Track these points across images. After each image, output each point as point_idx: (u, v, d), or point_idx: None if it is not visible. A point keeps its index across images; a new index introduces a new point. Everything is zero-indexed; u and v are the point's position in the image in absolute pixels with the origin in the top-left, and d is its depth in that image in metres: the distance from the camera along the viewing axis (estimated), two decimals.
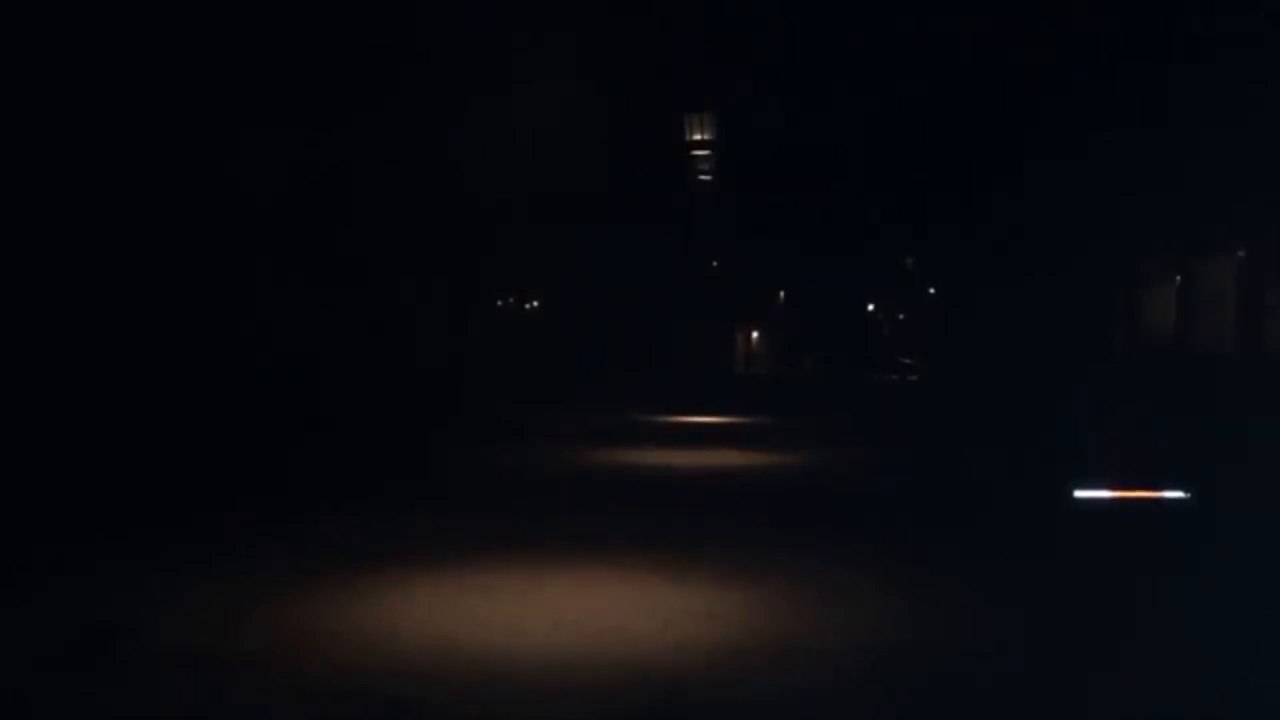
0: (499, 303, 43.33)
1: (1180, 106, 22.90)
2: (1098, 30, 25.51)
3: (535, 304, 46.84)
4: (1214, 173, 21.80)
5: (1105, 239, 27.19)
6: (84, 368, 15.63)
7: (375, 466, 18.40)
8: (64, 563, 10.55)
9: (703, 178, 50.64)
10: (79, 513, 12.75)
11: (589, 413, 29.51)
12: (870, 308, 57.85)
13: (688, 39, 39.10)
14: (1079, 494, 15.03)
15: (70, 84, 15.56)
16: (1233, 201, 22.39)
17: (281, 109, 20.22)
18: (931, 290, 44.95)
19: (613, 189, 39.73)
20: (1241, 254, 23.38)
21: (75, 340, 15.62)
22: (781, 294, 60.33)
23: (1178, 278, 25.88)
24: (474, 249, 31.19)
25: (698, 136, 48.75)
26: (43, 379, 14.94)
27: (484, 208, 29.62)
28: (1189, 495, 14.82)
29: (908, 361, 47.69)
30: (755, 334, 62.14)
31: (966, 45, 30.59)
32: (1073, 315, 28.82)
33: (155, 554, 11.13)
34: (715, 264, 57.04)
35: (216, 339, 19.05)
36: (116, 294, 16.46)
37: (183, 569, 10.48)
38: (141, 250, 16.87)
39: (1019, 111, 28.81)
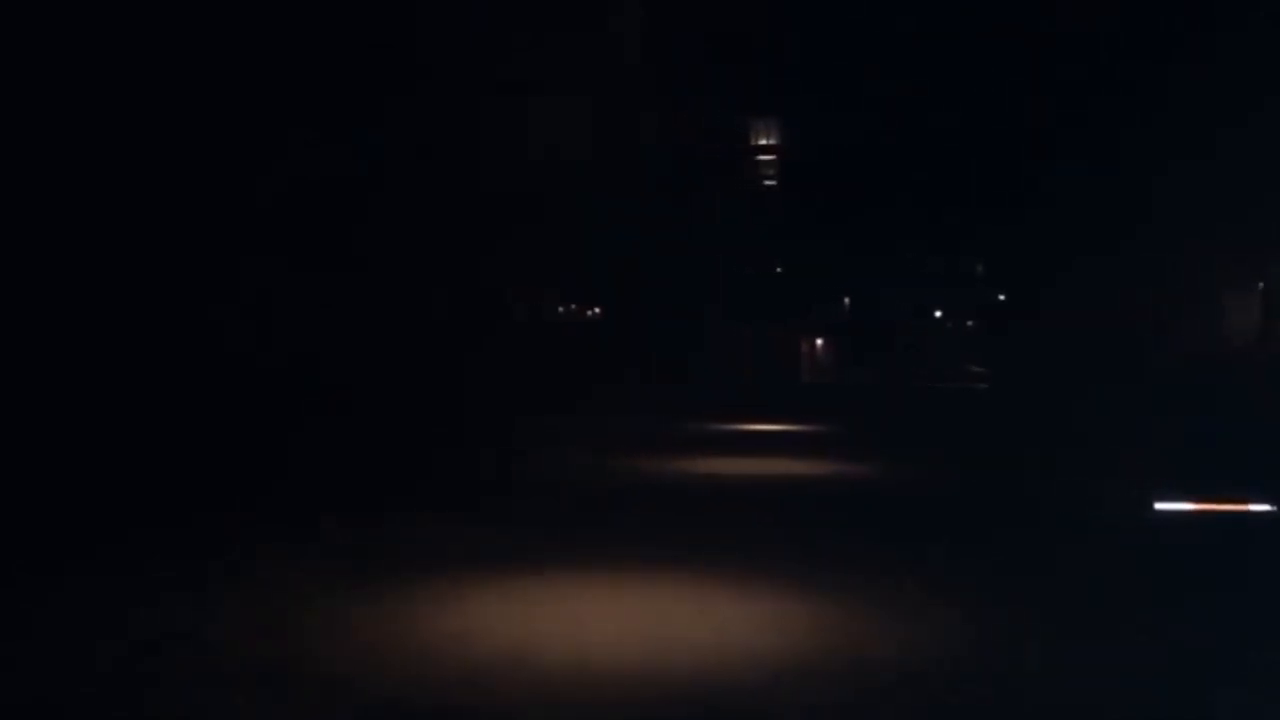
0: (559, 309, 43.28)
1: (1266, 110, 22.29)
2: (1171, 27, 24.97)
3: (597, 310, 46.73)
4: None
5: (1180, 242, 26.56)
6: (102, 371, 15.59)
7: (446, 473, 18.27)
8: (110, 567, 10.48)
9: (767, 182, 50.36)
10: (113, 518, 12.68)
11: (654, 420, 29.26)
12: (938, 314, 57.14)
13: (753, 43, 38.91)
14: (1159, 506, 14.48)
15: (82, 81, 15.57)
16: None
17: (329, 107, 20.19)
18: (1001, 296, 44.27)
19: (674, 192, 39.53)
20: None
21: (91, 342, 15.58)
22: (847, 300, 59.81)
23: (1260, 283, 25.18)
24: (532, 253, 31.07)
25: (762, 141, 48.49)
26: (58, 383, 14.90)
27: (541, 210, 29.50)
28: (1277, 508, 14.21)
29: (977, 369, 46.97)
30: (820, 340, 61.62)
31: (1036, 46, 30.19)
32: (1147, 319, 28.14)
33: (201, 557, 11.02)
34: (779, 270, 56.69)
35: (252, 343, 19.01)
36: (128, 296, 16.42)
37: (241, 572, 10.36)
38: (154, 250, 16.83)
39: (1093, 112, 28.26)
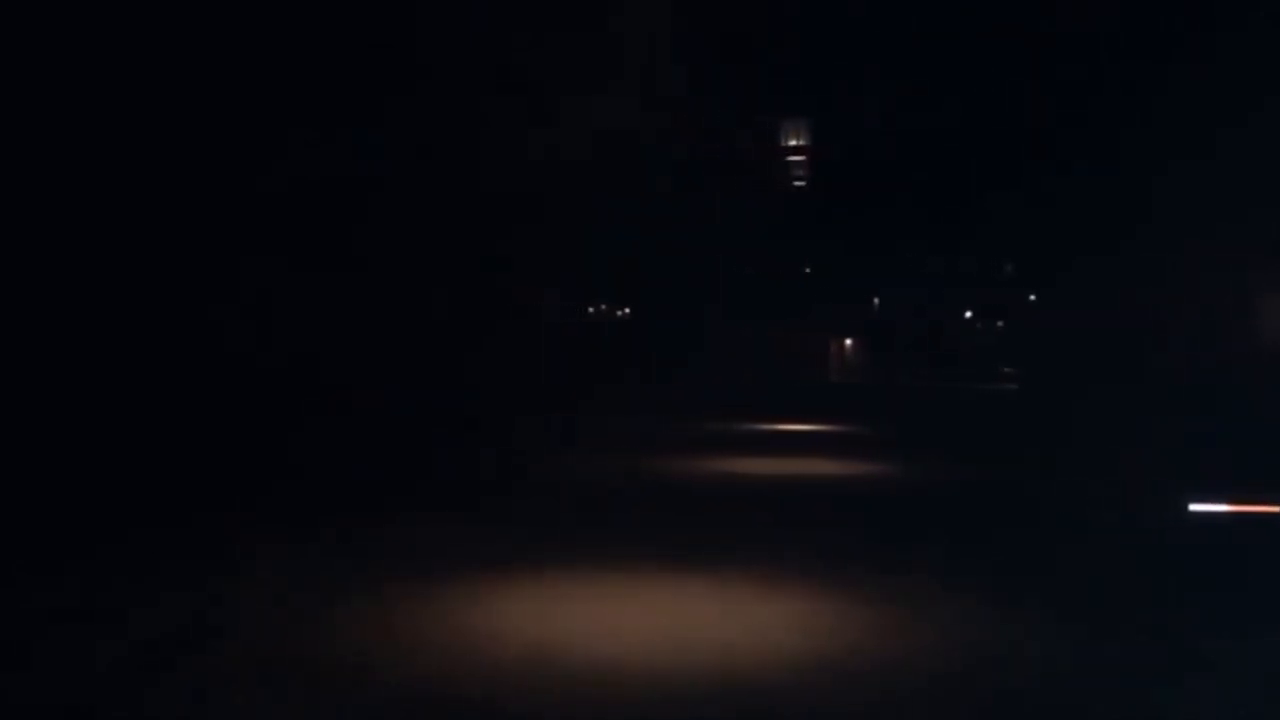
0: (590, 309, 43.33)
1: None
2: (1199, 22, 24.77)
3: (626, 310, 46.76)
4: None
5: (1216, 241, 26.32)
6: (102, 371, 15.63)
7: (471, 472, 18.30)
8: (136, 564, 10.53)
9: (797, 183, 50.27)
10: (136, 517, 12.73)
11: (682, 419, 29.23)
12: (968, 314, 56.87)
13: (784, 45, 38.85)
14: (1194, 507, 14.34)
15: (83, 80, 15.62)
16: None
17: (343, 104, 20.20)
18: (1032, 297, 44.00)
19: (702, 193, 39.50)
20: None
21: (91, 342, 15.62)
22: (876, 300, 59.61)
23: None
24: (559, 251, 31.08)
25: (793, 142, 48.42)
26: (58, 383, 14.94)
27: (568, 209, 29.49)
28: None
29: (1008, 370, 46.71)
30: (849, 340, 61.42)
31: (1066, 44, 30.03)
32: (1181, 318, 27.89)
33: (229, 555, 11.06)
34: (808, 270, 56.55)
35: (253, 342, 19.06)
36: (129, 295, 16.46)
37: (267, 570, 10.40)
38: (155, 250, 16.86)
39: (1129, 111, 28.05)
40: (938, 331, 53.65)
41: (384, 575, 10.33)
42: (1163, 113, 26.06)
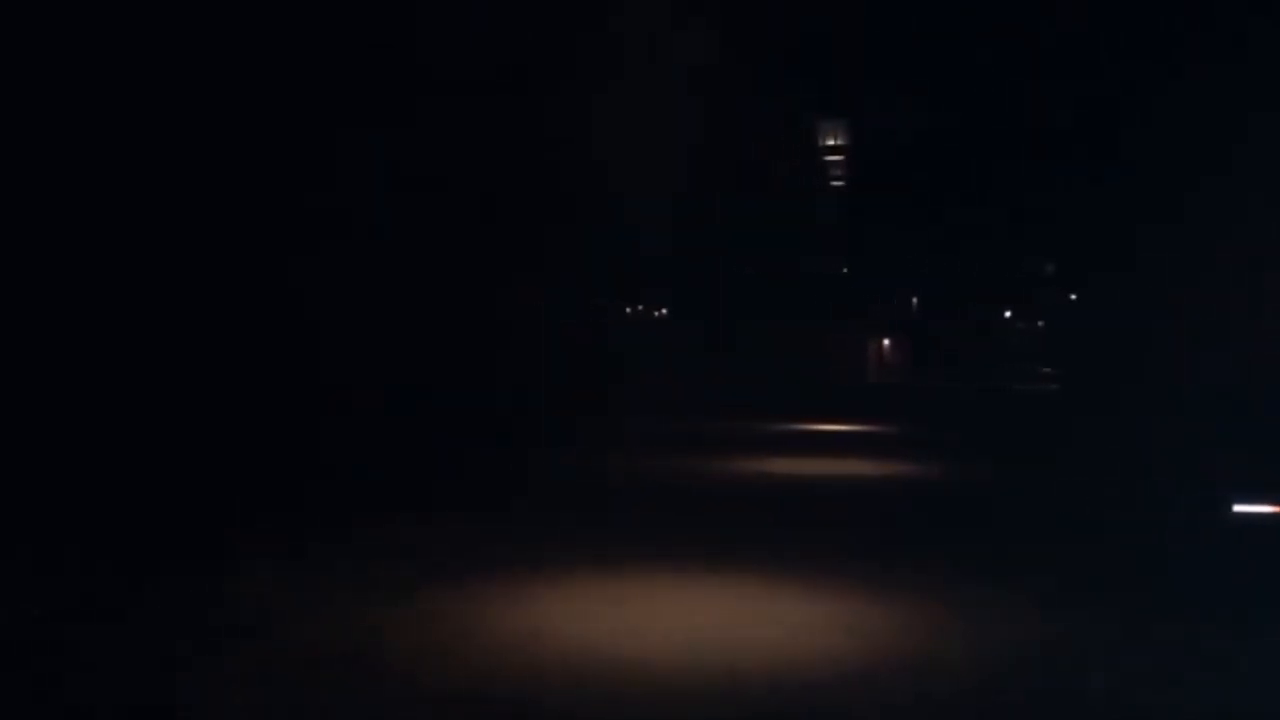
0: (627, 309, 43.34)
1: None
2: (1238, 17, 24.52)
3: (663, 311, 46.75)
4: None
5: (1257, 241, 26.03)
6: (153, 368, 15.79)
7: (499, 472, 18.37)
8: (173, 562, 10.63)
9: (835, 183, 50.12)
10: (174, 513, 12.84)
11: (719, 421, 29.22)
12: (1008, 314, 56.51)
13: (821, 45, 38.76)
14: (1238, 508, 14.21)
15: (140, 76, 15.80)
16: None
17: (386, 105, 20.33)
18: (1073, 296, 43.65)
19: (742, 194, 39.44)
20: None
21: (142, 342, 15.78)
22: (914, 300, 59.35)
23: None
24: (597, 252, 31.13)
25: (831, 141, 48.29)
26: (114, 383, 15.09)
27: (607, 210, 29.53)
28: None
29: (1047, 370, 46.36)
30: (886, 341, 61.15)
31: (1101, 40, 29.82)
32: (1224, 317, 27.60)
33: (269, 555, 11.15)
34: (845, 270, 56.35)
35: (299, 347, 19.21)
36: (171, 299, 16.62)
37: (304, 570, 10.48)
38: (195, 255, 17.03)
39: (1170, 109, 27.80)
40: (977, 332, 53.31)
41: (428, 575, 10.38)
42: (1202, 111, 25.81)
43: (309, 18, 18.68)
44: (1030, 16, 33.22)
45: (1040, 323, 54.30)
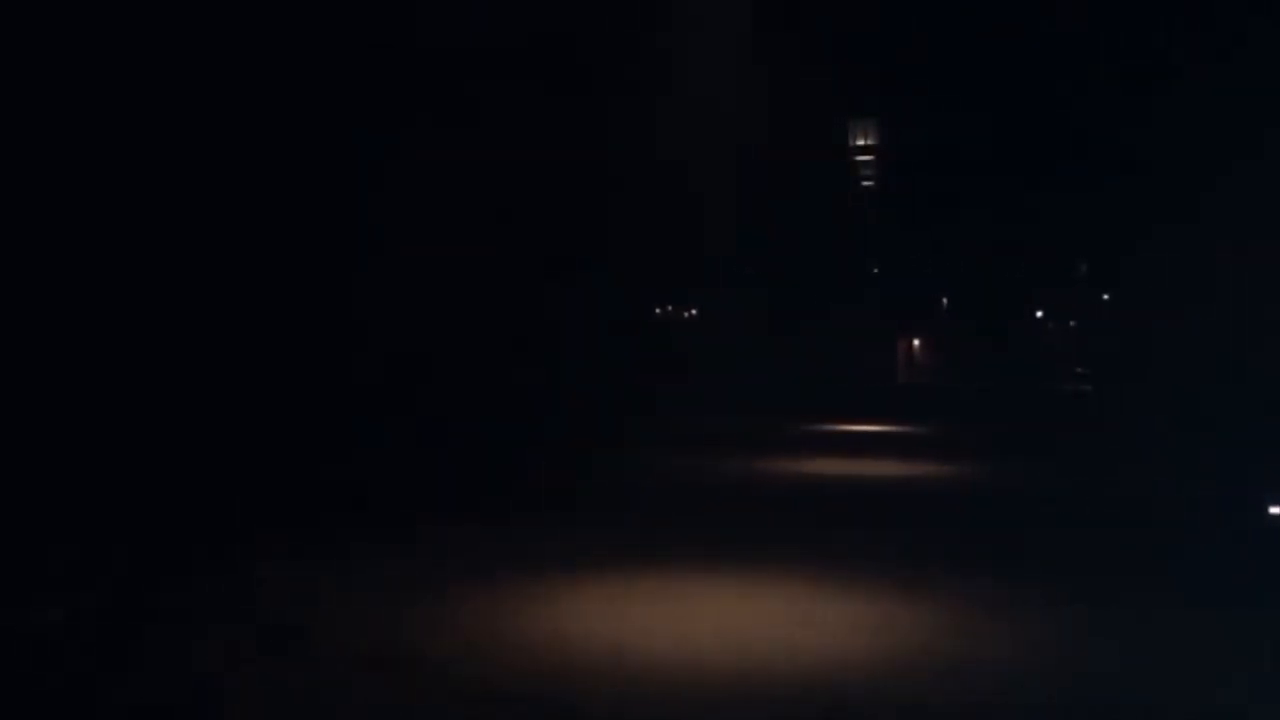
0: (657, 310, 43.34)
1: None
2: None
3: (694, 311, 46.70)
4: None
5: None
6: (202, 370, 15.92)
7: (545, 474, 18.44)
8: (218, 563, 10.72)
9: (865, 183, 49.95)
10: (230, 514, 12.95)
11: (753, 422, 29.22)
12: (1039, 314, 56.16)
13: (852, 44, 38.66)
14: (1275, 510, 14.11)
15: (208, 74, 15.95)
16: None
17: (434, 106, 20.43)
18: (1105, 296, 43.40)
19: (773, 193, 39.39)
20: None
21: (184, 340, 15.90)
22: (945, 300, 59.04)
23: None
24: (630, 252, 31.13)
25: (861, 141, 48.14)
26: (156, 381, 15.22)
27: (643, 210, 29.55)
28: None
29: (1081, 370, 46.07)
30: (917, 341, 60.90)
31: (1135, 38, 29.64)
32: (1261, 316, 27.37)
33: (320, 554, 11.24)
34: (876, 270, 56.14)
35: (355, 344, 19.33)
36: (226, 297, 16.75)
37: (353, 570, 10.58)
38: (252, 257, 17.17)
39: (1204, 106, 27.61)
40: (1009, 332, 52.98)
41: (464, 574, 10.46)
42: (1239, 108, 25.63)
43: (353, 11, 18.80)
44: (1068, 13, 33.03)
45: (1072, 323, 53.94)
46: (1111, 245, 37.69)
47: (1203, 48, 26.66)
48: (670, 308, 44.93)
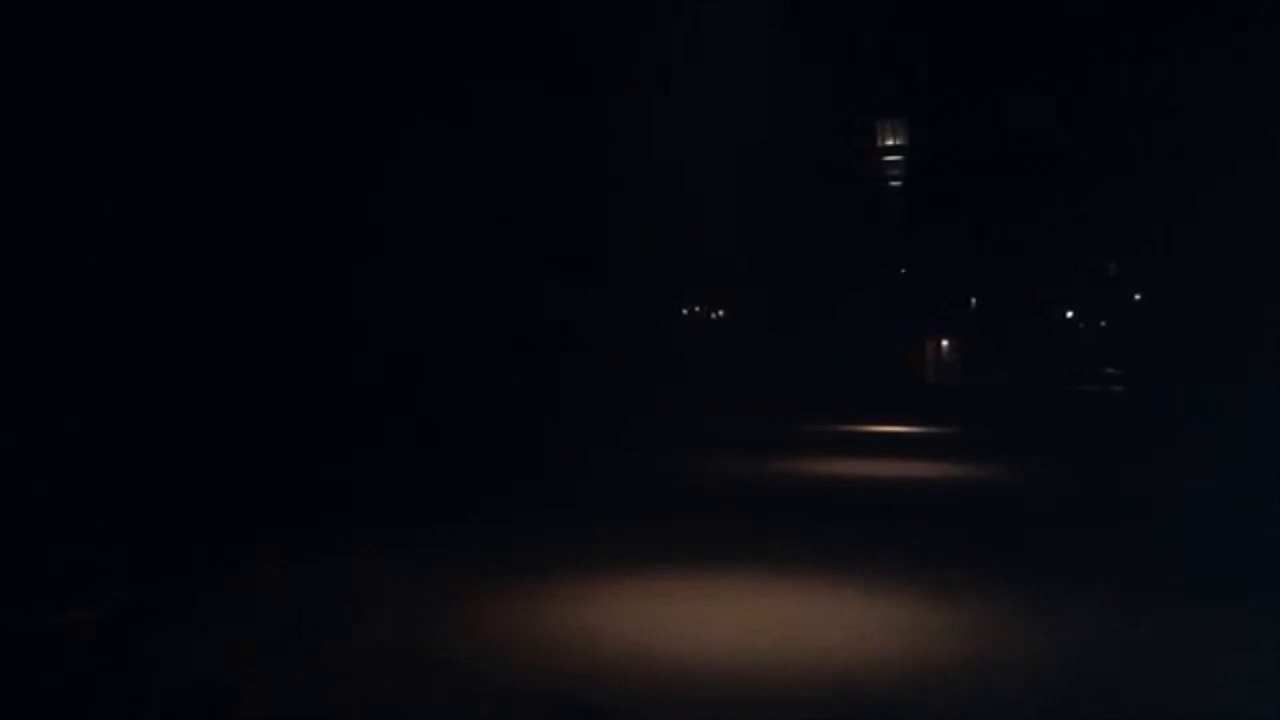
0: (684, 310, 43.30)
1: None
2: None
3: (721, 312, 46.64)
4: None
5: None
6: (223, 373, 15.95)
7: (549, 473, 18.44)
8: (238, 563, 10.73)
9: (893, 183, 49.79)
10: (245, 514, 12.96)
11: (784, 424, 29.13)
12: (1069, 314, 55.80)
13: (880, 44, 38.59)
14: None
15: (229, 75, 16.00)
16: None
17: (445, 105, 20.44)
18: (1137, 296, 43.08)
19: (801, 192, 39.32)
20: None
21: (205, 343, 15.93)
22: (973, 300, 58.69)
23: None
24: (657, 253, 31.12)
25: (889, 141, 48.00)
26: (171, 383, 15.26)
27: (669, 209, 29.51)
28: None
29: (1112, 371, 45.73)
30: (945, 342, 60.57)
31: (1162, 42, 29.47)
32: None
33: (323, 554, 11.26)
34: (903, 270, 55.90)
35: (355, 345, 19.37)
36: (240, 298, 16.78)
37: (372, 569, 10.57)
38: (267, 258, 17.20)
39: (1232, 106, 27.38)
40: (1038, 332, 52.63)
41: (480, 574, 10.44)
42: (1271, 107, 25.41)
43: (359, 15, 18.83)
44: (1094, 13, 32.88)
45: (1103, 323, 53.58)
46: (1142, 244, 37.42)
47: (1235, 43, 26.42)
48: (697, 309, 44.88)
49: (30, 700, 6.98)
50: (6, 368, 13.09)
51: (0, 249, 13.46)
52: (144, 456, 13.87)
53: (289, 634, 8.36)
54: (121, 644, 8.09)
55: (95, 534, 11.02)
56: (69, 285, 14.14)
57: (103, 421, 13.69)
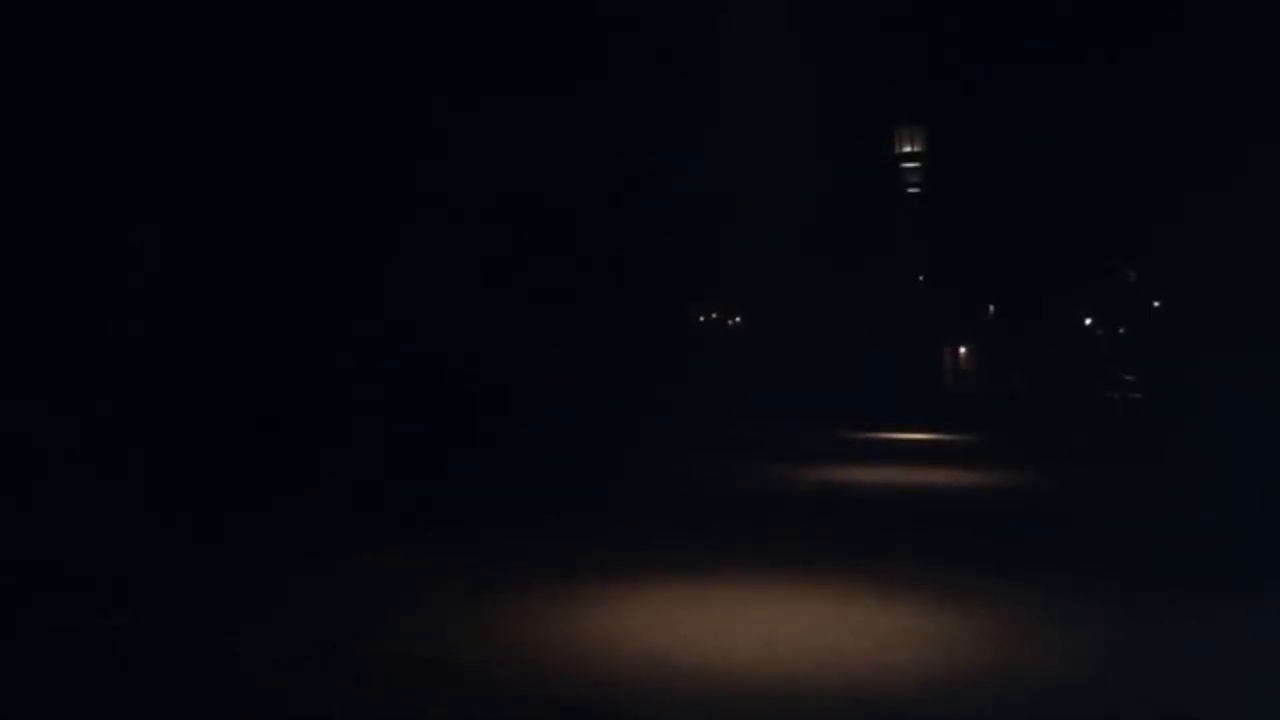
0: (700, 318, 43.31)
1: None
2: None
3: (738, 319, 46.63)
4: None
5: None
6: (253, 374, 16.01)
7: (564, 478, 18.48)
8: (265, 569, 10.78)
9: (911, 190, 49.69)
10: (278, 521, 13.03)
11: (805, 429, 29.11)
12: (1088, 321, 55.62)
13: (899, 51, 38.55)
14: None
15: (260, 90, 16.10)
16: None
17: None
18: (1156, 303, 42.94)
19: (818, 200, 39.31)
20: None
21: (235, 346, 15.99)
22: (991, 308, 58.53)
23: None
24: (672, 258, 31.10)
25: (908, 149, 47.93)
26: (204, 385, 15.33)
27: (684, 216, 29.51)
28: None
29: (1130, 378, 45.57)
30: (964, 350, 60.38)
31: (1183, 47, 29.40)
32: None
33: (344, 558, 11.30)
34: (921, 278, 55.76)
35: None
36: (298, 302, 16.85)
37: (390, 575, 10.63)
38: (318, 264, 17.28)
39: (1252, 111, 27.29)
40: (1056, 339, 52.47)
41: (523, 579, 10.48)
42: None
43: (388, 18, 18.88)
44: (1113, 22, 32.83)
45: (1121, 330, 53.39)
46: (1161, 251, 37.31)
47: (1260, 55, 26.33)
48: (714, 315, 44.87)
49: (62, 703, 7.06)
50: (15, 364, 13.14)
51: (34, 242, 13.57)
52: (149, 456, 13.95)
53: (321, 638, 8.40)
54: (155, 647, 8.17)
55: (90, 534, 11.08)
56: (73, 286, 14.20)
57: (102, 420, 13.74)
